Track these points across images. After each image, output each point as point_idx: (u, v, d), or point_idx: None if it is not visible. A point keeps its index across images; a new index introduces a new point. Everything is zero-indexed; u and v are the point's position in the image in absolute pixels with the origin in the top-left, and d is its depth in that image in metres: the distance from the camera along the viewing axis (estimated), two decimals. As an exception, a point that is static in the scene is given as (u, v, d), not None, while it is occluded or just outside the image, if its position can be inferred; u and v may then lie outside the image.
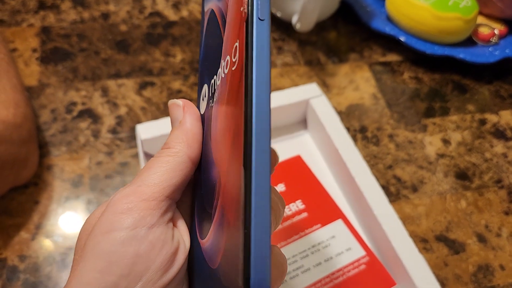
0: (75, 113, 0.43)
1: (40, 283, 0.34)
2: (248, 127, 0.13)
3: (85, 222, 0.20)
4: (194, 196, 0.21)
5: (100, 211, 0.20)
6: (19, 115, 0.34)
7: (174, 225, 0.20)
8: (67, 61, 0.47)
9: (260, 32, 0.14)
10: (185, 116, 0.21)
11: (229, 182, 0.15)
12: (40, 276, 0.34)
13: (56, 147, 0.41)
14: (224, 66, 0.17)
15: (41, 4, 0.51)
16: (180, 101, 0.21)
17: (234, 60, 0.15)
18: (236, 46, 0.15)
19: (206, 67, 0.19)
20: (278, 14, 0.52)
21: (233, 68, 0.15)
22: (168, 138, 0.21)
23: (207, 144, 0.19)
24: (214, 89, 0.18)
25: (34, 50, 0.47)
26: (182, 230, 0.20)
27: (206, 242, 0.17)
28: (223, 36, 0.17)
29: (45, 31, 0.49)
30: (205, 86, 0.19)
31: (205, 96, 0.20)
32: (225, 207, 0.15)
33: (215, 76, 0.18)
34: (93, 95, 0.44)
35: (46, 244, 0.36)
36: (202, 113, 0.20)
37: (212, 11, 0.19)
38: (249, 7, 0.15)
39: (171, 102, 0.22)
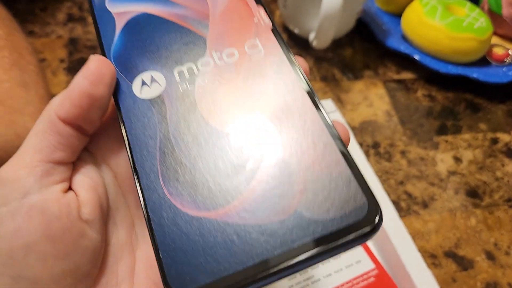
0: (98, 122, 0.45)
1: None
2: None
3: None
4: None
5: None
6: None
7: (71, 186, 0.19)
8: (92, 72, 0.49)
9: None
10: (76, 76, 0.19)
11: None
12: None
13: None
14: (223, 56, 0.21)
15: (70, 17, 0.53)
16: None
17: (254, 51, 0.21)
18: (257, 42, 0.21)
19: (147, 58, 0.21)
20: (296, 31, 0.54)
21: (259, 55, 0.21)
22: None
23: (192, 118, 0.20)
24: (194, 73, 0.21)
25: (62, 61, 0.49)
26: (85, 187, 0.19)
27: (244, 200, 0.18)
28: (196, 33, 0.22)
29: (72, 43, 0.51)
30: (155, 73, 0.21)
31: (157, 81, 0.20)
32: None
33: (182, 64, 0.21)
34: (116, 105, 0.46)
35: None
36: (149, 97, 0.20)
37: (147, 14, 0.22)
38: (270, 19, 0.22)
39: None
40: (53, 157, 0.18)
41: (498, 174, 0.46)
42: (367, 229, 0.16)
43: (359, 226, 0.16)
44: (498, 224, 0.43)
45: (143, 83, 0.20)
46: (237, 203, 0.17)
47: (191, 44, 0.21)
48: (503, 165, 0.47)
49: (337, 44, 0.55)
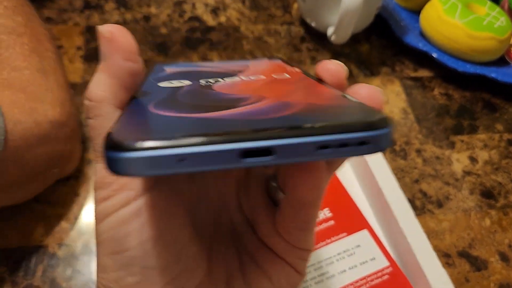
0: (115, 111, 0.45)
1: (77, 271, 0.36)
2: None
3: None
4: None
5: None
6: (65, 113, 0.36)
7: None
8: (109, 60, 0.49)
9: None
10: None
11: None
12: (77, 264, 0.36)
13: (96, 142, 0.43)
14: (249, 77, 0.23)
15: (87, 4, 0.53)
16: (106, 30, 0.18)
17: (281, 76, 0.23)
18: (285, 75, 0.23)
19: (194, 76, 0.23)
20: (313, 24, 0.53)
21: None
22: (91, 83, 0.18)
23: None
24: (219, 81, 0.22)
25: (79, 48, 0.49)
26: None
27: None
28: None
29: (89, 30, 0.51)
30: (183, 80, 0.22)
31: (182, 82, 0.21)
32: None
33: (213, 79, 0.22)
34: (132, 94, 0.46)
35: (84, 234, 0.37)
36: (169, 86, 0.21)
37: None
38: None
39: (100, 30, 0.18)
40: None
41: (514, 175, 0.46)
42: (377, 132, 0.14)
43: (368, 127, 0.14)
44: (513, 226, 0.42)
45: (169, 82, 0.21)
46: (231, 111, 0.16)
47: (222, 74, 0.23)
48: (519, 167, 0.47)
49: (354, 39, 0.55)
